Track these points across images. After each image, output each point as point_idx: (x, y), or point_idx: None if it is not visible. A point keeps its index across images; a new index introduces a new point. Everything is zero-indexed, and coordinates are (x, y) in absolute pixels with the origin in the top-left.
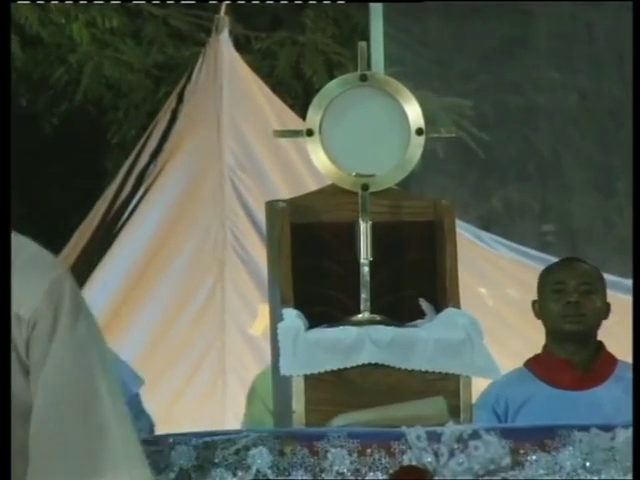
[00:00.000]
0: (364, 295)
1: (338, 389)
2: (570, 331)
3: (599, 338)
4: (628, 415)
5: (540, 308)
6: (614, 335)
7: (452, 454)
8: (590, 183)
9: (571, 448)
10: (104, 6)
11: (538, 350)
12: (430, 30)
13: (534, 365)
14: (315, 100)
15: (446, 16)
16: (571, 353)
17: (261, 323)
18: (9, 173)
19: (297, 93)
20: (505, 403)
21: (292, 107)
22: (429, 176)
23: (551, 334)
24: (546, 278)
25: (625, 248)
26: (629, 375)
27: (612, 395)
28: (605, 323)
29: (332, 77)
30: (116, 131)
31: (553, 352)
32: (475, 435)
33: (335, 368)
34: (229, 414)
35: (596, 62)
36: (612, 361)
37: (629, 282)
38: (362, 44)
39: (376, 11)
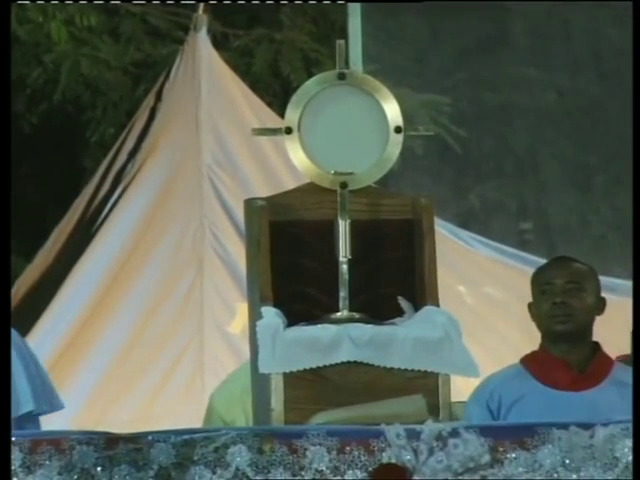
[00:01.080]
0: (343, 293)
1: (317, 387)
2: (560, 331)
3: None
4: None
5: (534, 309)
6: (596, 334)
7: (431, 452)
8: (567, 181)
9: (550, 446)
10: (82, 4)
11: (516, 348)
12: (408, 27)
13: (530, 363)
14: (294, 98)
15: (423, 13)
16: (565, 353)
17: (240, 321)
18: (9, 175)
19: (275, 91)
20: (499, 399)
21: (270, 105)
22: (406, 173)
23: (544, 334)
24: (536, 279)
25: (602, 246)
26: (625, 379)
27: (607, 398)
28: None
29: (310, 75)
30: (94, 130)
31: (549, 351)
32: (454, 433)
33: (314, 366)
34: None
35: (573, 60)
36: (608, 362)
37: (608, 280)
38: (340, 42)
39: (354, 9)
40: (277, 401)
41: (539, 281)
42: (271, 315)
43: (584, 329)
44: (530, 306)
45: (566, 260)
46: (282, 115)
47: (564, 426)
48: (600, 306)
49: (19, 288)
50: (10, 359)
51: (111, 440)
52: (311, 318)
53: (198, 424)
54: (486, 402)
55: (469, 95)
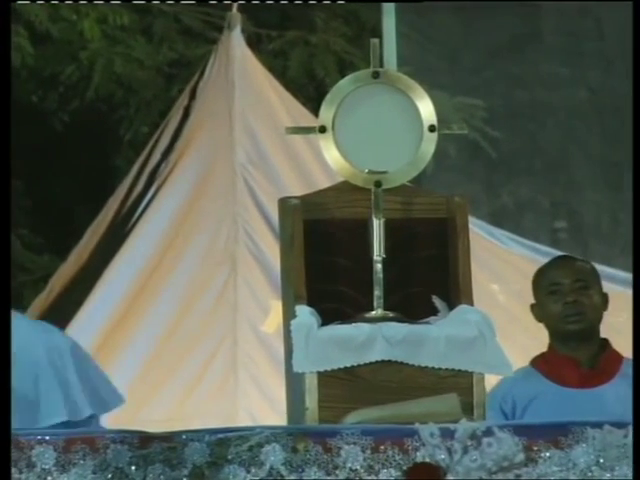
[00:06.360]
0: (377, 292)
1: (351, 386)
2: (573, 331)
3: (609, 336)
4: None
5: (539, 310)
6: (624, 333)
7: (465, 451)
8: (599, 179)
9: (584, 445)
10: (114, 3)
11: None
12: (439, 26)
13: (540, 363)
14: (328, 97)
15: (455, 12)
16: (575, 350)
17: (273, 320)
18: (9, 176)
19: (309, 93)
20: (512, 401)
21: (304, 107)
22: (439, 172)
23: (554, 334)
24: (540, 280)
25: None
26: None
27: (619, 393)
28: (614, 321)
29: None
30: (127, 128)
31: (557, 350)
32: (488, 432)
33: (348, 365)
34: (240, 410)
35: (605, 58)
36: (618, 358)
37: None
38: (374, 41)
39: (388, 9)
40: (311, 400)
41: (544, 282)
42: (305, 314)
43: (594, 326)
44: (533, 307)
45: (568, 259)
46: (316, 114)
47: (598, 425)
48: (605, 302)
49: (53, 287)
50: (10, 358)
51: (145, 439)
52: (345, 317)
53: (230, 423)
54: (499, 406)
55: (501, 93)
